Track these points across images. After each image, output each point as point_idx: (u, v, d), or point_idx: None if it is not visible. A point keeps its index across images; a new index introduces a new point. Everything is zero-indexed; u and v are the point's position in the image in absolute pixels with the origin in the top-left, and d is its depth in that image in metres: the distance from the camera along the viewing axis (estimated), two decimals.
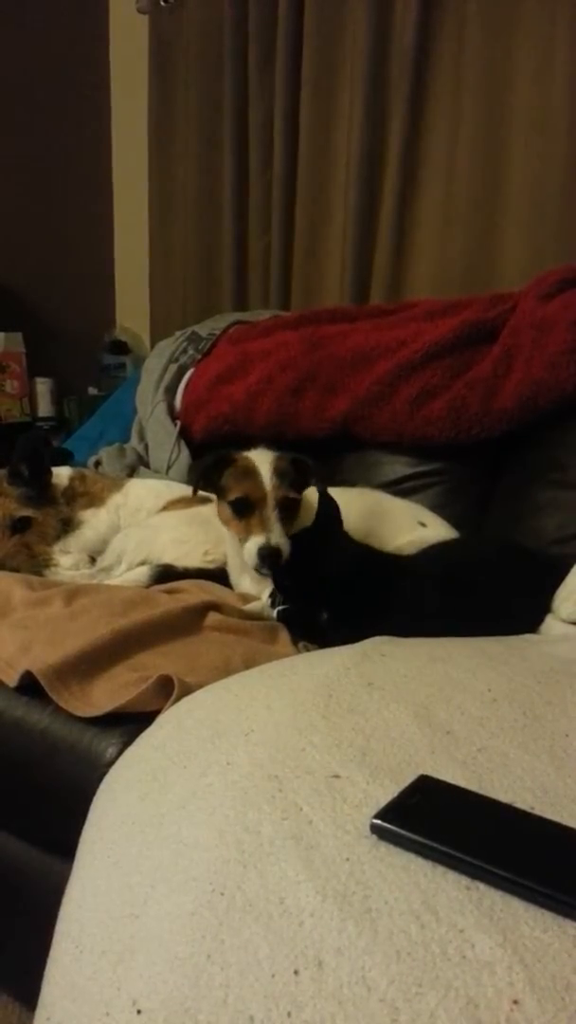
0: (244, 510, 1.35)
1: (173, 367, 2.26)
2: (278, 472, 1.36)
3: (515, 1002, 0.47)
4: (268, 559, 1.31)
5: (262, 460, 1.38)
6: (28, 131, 2.78)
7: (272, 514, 1.34)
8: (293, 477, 1.37)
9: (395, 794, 0.66)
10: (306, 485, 1.40)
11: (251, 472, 1.36)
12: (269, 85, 2.52)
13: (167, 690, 1.01)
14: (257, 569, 1.34)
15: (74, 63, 2.89)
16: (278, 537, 1.32)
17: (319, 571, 1.22)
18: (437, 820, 0.62)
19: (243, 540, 1.36)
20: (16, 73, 2.72)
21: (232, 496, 1.36)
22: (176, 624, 1.22)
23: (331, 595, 1.21)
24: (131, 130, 2.94)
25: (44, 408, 2.79)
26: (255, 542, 1.32)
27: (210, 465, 1.41)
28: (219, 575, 1.53)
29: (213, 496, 1.46)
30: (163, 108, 2.81)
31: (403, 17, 2.21)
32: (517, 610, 1.28)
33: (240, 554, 1.41)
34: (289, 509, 1.36)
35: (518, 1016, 0.46)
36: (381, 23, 2.25)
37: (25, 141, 2.78)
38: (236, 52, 2.56)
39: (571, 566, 1.34)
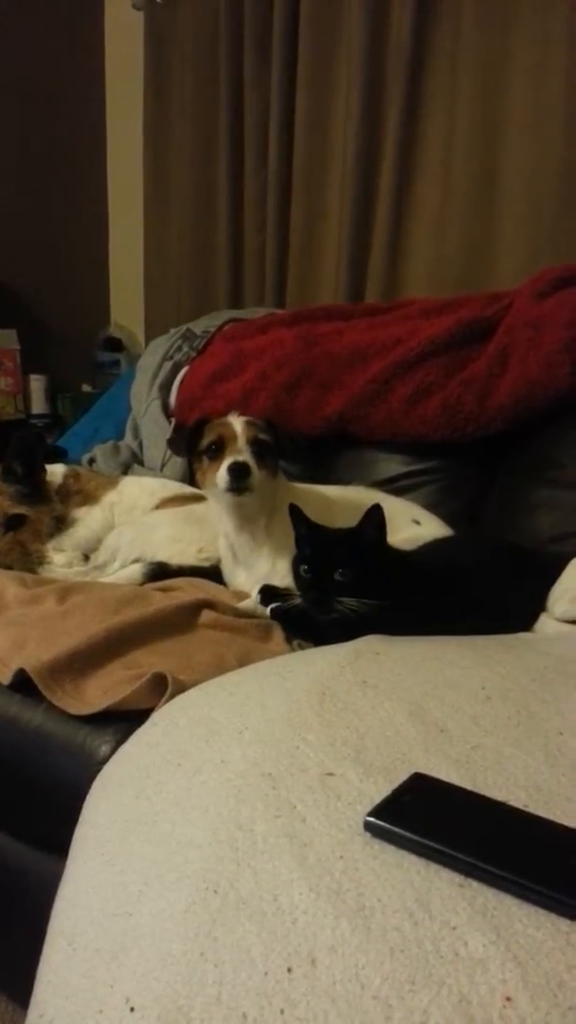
0: (217, 451, 1.41)
1: (168, 364, 2.26)
2: (248, 423, 1.45)
3: (508, 999, 0.47)
4: (236, 471, 1.35)
5: (234, 417, 1.47)
6: (23, 127, 2.77)
7: (244, 447, 1.40)
8: (265, 430, 1.45)
9: (389, 792, 0.66)
10: (280, 451, 1.46)
11: (224, 423, 1.45)
12: (264, 83, 2.51)
13: (161, 688, 1.01)
14: (227, 489, 1.37)
15: (69, 59, 2.88)
16: (248, 458, 1.38)
17: (371, 577, 1.20)
18: (431, 818, 0.62)
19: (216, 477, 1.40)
20: (11, 69, 2.71)
21: (206, 443, 1.43)
22: (170, 622, 1.22)
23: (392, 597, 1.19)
24: (126, 126, 2.93)
25: (38, 405, 2.77)
26: (225, 464, 1.37)
27: (193, 427, 1.47)
28: (213, 573, 1.53)
29: (206, 493, 1.49)
30: (158, 104, 2.81)
31: (399, 15, 2.21)
32: (512, 609, 1.29)
33: (229, 535, 1.46)
34: (262, 451, 1.41)
35: (511, 1013, 0.47)
36: (377, 21, 2.25)
37: (20, 137, 2.77)
38: (231, 49, 2.56)
39: (566, 565, 1.35)
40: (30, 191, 2.83)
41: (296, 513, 1.22)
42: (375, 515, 1.18)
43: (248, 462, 1.37)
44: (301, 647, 1.22)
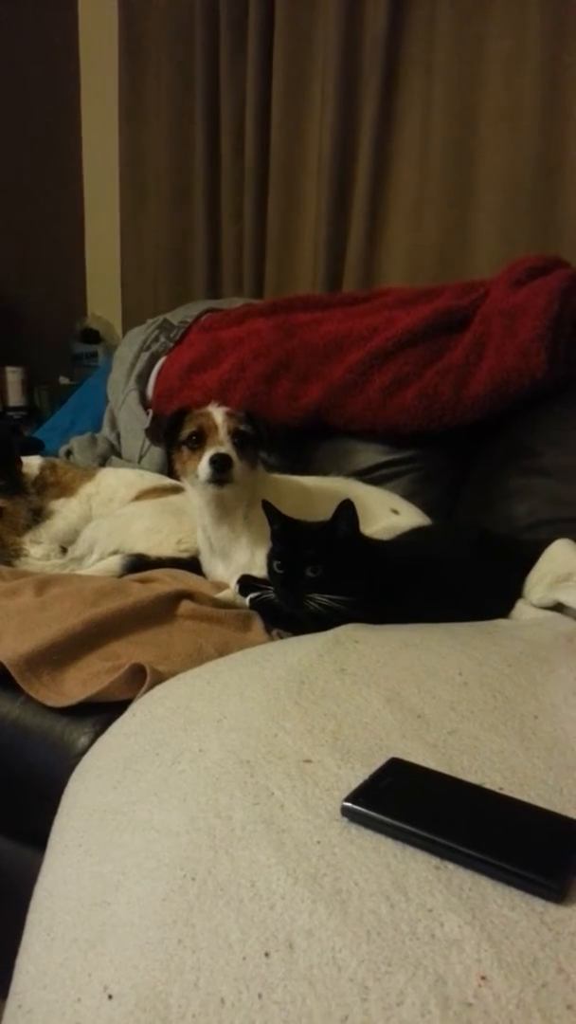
0: (197, 442, 1.41)
1: (145, 355, 2.25)
2: (228, 413, 1.44)
3: (483, 978, 0.48)
4: (218, 463, 1.35)
5: (215, 408, 1.46)
6: None
7: (225, 438, 1.39)
8: (246, 422, 1.44)
9: (366, 777, 0.67)
10: (260, 442, 1.46)
11: (205, 414, 1.44)
12: (241, 72, 2.50)
13: (139, 679, 1.01)
14: (209, 480, 1.36)
15: (43, 46, 2.85)
16: (229, 449, 1.37)
17: (348, 571, 1.18)
18: (407, 802, 0.63)
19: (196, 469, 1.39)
20: None
21: (186, 433, 1.42)
22: (148, 613, 1.21)
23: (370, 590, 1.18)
24: (101, 115, 2.91)
25: (14, 398, 2.75)
26: (207, 456, 1.36)
27: (172, 418, 1.46)
28: (192, 564, 1.53)
29: (185, 484, 1.49)
30: (133, 93, 2.78)
31: (375, 4, 2.20)
32: (489, 596, 1.29)
33: (208, 527, 1.46)
34: (243, 442, 1.41)
35: (486, 992, 0.47)
36: (353, 9, 2.24)
37: None
38: (207, 36, 2.54)
39: (542, 552, 1.36)
40: (3, 182, 2.79)
41: (269, 509, 1.22)
42: (347, 511, 1.17)
43: (230, 454, 1.36)
44: (280, 636, 1.23)
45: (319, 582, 1.14)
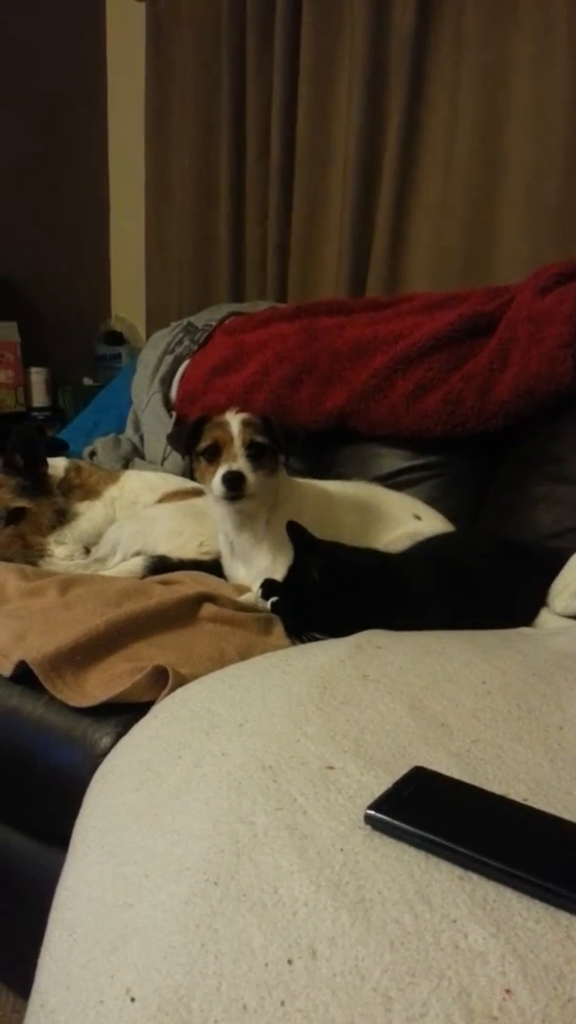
0: (213, 455, 1.40)
1: (169, 358, 2.26)
2: (245, 422, 1.43)
3: (507, 991, 0.48)
4: (231, 481, 1.34)
5: (232, 416, 1.44)
6: (24, 118, 2.76)
7: (239, 452, 1.39)
8: (263, 430, 1.43)
9: (389, 785, 0.66)
10: (278, 447, 1.44)
11: (221, 424, 1.43)
12: (266, 74, 2.50)
13: (161, 681, 1.01)
14: (223, 497, 1.36)
15: (70, 50, 2.87)
16: (242, 465, 1.37)
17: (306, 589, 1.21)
18: (431, 811, 0.62)
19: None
20: (11, 60, 2.70)
21: (203, 446, 1.42)
22: (171, 615, 1.22)
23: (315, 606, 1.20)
24: (127, 118, 2.92)
25: (39, 398, 2.77)
26: (220, 472, 1.36)
27: (192, 427, 1.46)
28: (214, 567, 1.53)
29: (205, 491, 1.48)
30: (159, 96, 2.80)
31: (402, 4, 2.20)
32: (513, 604, 1.29)
33: (229, 534, 1.46)
34: (259, 455, 1.40)
35: (511, 1005, 0.47)
36: (380, 10, 2.24)
37: (20, 129, 2.76)
38: (233, 40, 2.55)
39: (567, 560, 1.35)
40: (31, 183, 2.82)
41: (294, 532, 1.21)
42: (312, 561, 1.18)
43: (243, 470, 1.35)
44: (303, 641, 1.22)
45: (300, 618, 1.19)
